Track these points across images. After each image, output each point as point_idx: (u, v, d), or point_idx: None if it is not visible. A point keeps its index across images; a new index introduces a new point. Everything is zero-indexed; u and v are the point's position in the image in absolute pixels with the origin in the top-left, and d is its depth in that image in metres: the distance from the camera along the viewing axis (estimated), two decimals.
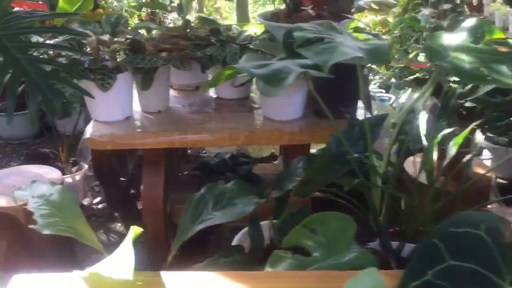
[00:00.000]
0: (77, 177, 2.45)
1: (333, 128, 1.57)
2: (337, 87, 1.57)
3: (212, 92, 1.91)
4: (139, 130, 1.55)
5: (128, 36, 1.53)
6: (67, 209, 1.03)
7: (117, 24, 1.57)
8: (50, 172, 1.95)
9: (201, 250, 2.05)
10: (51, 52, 1.51)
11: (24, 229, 1.45)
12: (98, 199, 2.63)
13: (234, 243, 1.31)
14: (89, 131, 1.53)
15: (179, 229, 1.07)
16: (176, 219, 1.78)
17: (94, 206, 2.59)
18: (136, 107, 1.69)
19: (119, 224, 2.42)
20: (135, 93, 1.66)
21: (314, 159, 1.16)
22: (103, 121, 1.59)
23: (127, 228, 2.41)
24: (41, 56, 1.44)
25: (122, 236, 2.30)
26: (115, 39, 1.53)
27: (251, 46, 1.70)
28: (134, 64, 1.53)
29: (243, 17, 3.46)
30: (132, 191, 2.73)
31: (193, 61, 1.67)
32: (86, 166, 2.55)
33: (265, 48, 1.65)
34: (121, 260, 0.70)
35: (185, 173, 2.03)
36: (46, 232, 0.98)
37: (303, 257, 0.82)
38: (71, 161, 2.54)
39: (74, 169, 2.54)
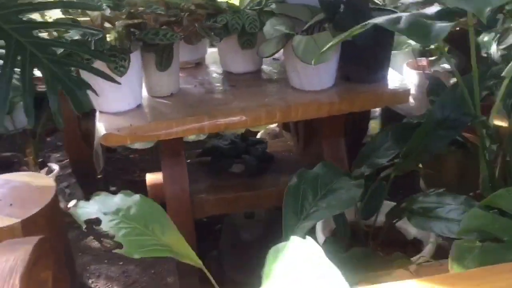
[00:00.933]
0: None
1: (373, 93, 1.46)
2: (371, 51, 1.45)
3: (216, 67, 1.71)
4: (162, 118, 1.33)
5: (140, 9, 1.29)
6: (154, 223, 0.82)
7: None
8: (38, 179, 1.66)
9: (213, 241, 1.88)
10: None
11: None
12: (73, 202, 2.34)
13: (318, 231, 1.16)
14: (102, 126, 1.29)
15: (284, 229, 0.90)
16: (197, 212, 1.59)
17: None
18: (143, 92, 1.46)
19: None
20: None
21: (412, 128, 1.02)
22: (113, 113, 1.35)
23: None
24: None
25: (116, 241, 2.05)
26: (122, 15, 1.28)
27: (265, 10, 1.52)
28: (148, 41, 1.30)
29: None
30: (113, 188, 2.47)
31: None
32: (57, 167, 2.24)
33: (286, 11, 1.47)
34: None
35: (192, 160, 1.82)
36: (136, 256, 0.78)
37: (495, 244, 0.69)
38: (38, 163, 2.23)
39: (43, 171, 2.23)
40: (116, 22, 1.29)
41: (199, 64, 1.73)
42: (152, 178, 1.73)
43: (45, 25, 1.11)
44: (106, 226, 0.80)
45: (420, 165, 1.39)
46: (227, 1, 1.58)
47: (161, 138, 1.34)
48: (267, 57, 1.43)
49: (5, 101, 0.98)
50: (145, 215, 0.82)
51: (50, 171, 2.23)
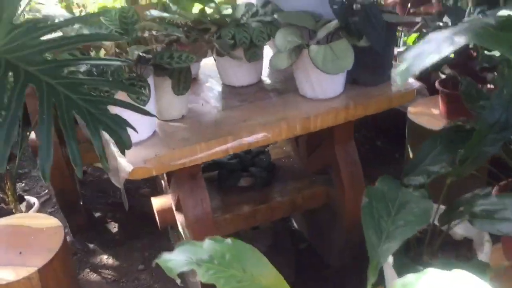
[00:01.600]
0: None
1: (385, 95, 1.47)
2: (377, 53, 1.46)
3: (214, 81, 1.66)
4: (185, 144, 1.27)
5: (154, 33, 1.22)
6: (251, 266, 0.78)
7: (131, 19, 1.24)
8: (39, 219, 1.55)
9: None
10: None
11: None
12: None
13: None
14: (124, 161, 1.21)
15: (369, 249, 0.88)
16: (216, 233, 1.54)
17: None
18: None
19: (105, 257, 2.06)
20: None
21: (463, 133, 1.04)
22: (133, 143, 1.27)
23: (118, 260, 2.05)
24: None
25: (118, 271, 1.96)
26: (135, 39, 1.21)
27: (267, 20, 1.49)
28: (165, 65, 1.23)
29: None
30: (97, 214, 2.35)
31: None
32: (36, 202, 2.09)
33: (290, 20, 1.45)
34: None
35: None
36: None
37: None
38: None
39: (22, 206, 2.08)
40: (127, 49, 1.21)
41: (194, 80, 1.67)
42: (159, 203, 1.66)
43: (71, 62, 1.02)
44: (203, 277, 0.75)
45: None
46: (222, 13, 1.53)
47: (186, 165, 1.28)
48: (279, 69, 1.40)
49: (48, 151, 0.90)
50: (241, 259, 0.78)
51: (29, 205, 2.08)
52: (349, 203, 1.59)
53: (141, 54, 1.16)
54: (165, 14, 1.34)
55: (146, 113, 1.08)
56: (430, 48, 0.69)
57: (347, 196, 1.59)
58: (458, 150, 1.00)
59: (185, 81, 1.28)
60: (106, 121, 0.98)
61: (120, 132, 0.99)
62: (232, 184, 1.70)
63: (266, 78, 1.65)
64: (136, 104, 1.10)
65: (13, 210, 2.01)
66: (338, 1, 1.34)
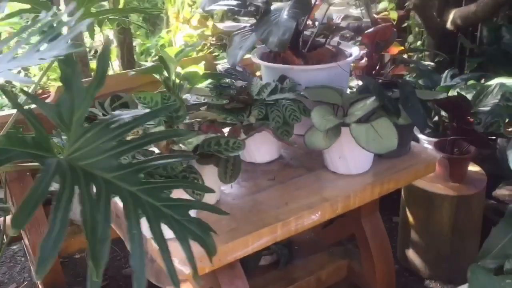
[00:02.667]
0: None
1: (413, 167, 1.48)
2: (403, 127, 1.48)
3: None
4: (235, 235, 1.19)
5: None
6: None
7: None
8: None
9: None
10: None
11: None
12: None
13: None
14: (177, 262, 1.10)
15: None
16: None
17: None
18: None
19: None
20: None
21: None
22: None
23: None
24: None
25: None
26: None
27: (291, 98, 1.46)
28: (216, 154, 1.16)
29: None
30: None
31: None
32: None
33: (319, 96, 1.44)
34: None
35: None
36: None
37: None
38: None
39: None
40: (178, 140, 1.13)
41: None
42: None
43: (146, 165, 0.91)
44: None
45: None
46: (247, 92, 1.49)
47: (237, 258, 1.19)
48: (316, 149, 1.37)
49: (142, 275, 0.79)
50: None
51: None
52: (380, 275, 1.56)
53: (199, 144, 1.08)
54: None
55: (217, 210, 0.99)
56: None
57: (378, 269, 1.56)
58: None
59: (232, 169, 1.21)
60: (192, 228, 0.89)
61: (205, 237, 0.90)
62: (253, 265, 1.61)
63: (283, 153, 1.61)
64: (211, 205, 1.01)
65: None
66: (373, 81, 1.35)
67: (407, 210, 2.07)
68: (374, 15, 2.94)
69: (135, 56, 4.17)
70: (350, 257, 1.65)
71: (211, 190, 0.99)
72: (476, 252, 1.95)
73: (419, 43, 3.10)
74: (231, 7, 1.54)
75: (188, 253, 0.88)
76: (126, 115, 0.92)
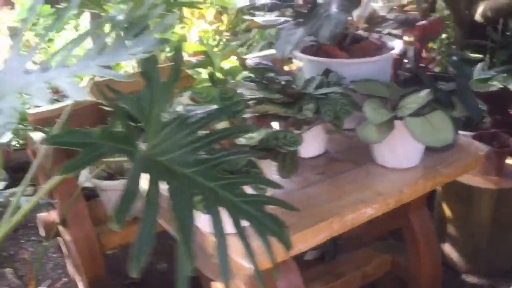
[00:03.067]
0: None
1: (461, 162, 1.47)
2: None
3: None
4: (294, 230, 1.18)
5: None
6: None
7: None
8: None
9: None
10: None
11: None
12: None
13: None
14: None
15: None
16: None
17: None
18: None
19: None
20: None
21: None
22: None
23: None
24: None
25: None
26: None
27: (339, 92, 1.45)
28: (274, 148, 1.15)
29: None
30: None
31: None
32: None
33: (369, 90, 1.43)
34: None
35: None
36: None
37: None
38: None
39: None
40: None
41: None
42: None
43: (223, 159, 0.90)
44: None
45: None
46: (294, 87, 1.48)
47: (297, 253, 1.18)
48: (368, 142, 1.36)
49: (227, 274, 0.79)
50: None
51: None
52: (427, 270, 1.55)
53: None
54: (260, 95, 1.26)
55: (288, 206, 0.98)
56: None
57: (425, 263, 1.55)
58: None
59: (291, 163, 1.20)
60: (269, 224, 0.88)
61: (282, 233, 0.89)
62: (298, 260, 1.60)
63: (328, 147, 1.60)
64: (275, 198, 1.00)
65: None
66: (425, 73, 1.34)
67: (443, 204, 2.06)
68: (395, 7, 2.91)
69: None
70: (394, 252, 1.64)
71: (279, 186, 0.99)
72: None
73: (444, 36, 3.07)
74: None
75: (268, 248, 0.87)
76: (199, 110, 0.92)
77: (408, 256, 1.60)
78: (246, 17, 3.80)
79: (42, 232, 2.03)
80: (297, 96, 1.40)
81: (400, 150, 1.39)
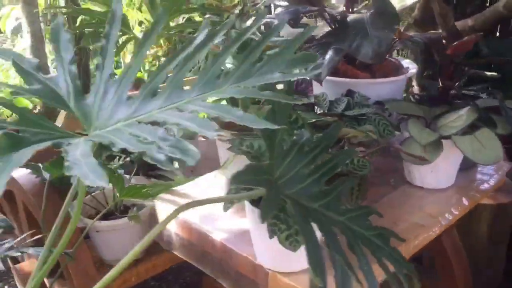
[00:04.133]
0: None
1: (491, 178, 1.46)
2: None
3: None
4: None
5: None
6: None
7: None
8: None
9: None
10: None
11: None
12: None
13: None
14: None
15: None
16: None
17: None
18: None
19: None
20: None
21: None
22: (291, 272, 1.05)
23: None
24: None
25: None
26: None
27: (377, 112, 1.40)
28: (347, 173, 1.06)
29: None
30: None
31: None
32: None
33: (400, 109, 1.39)
34: None
35: None
36: None
37: None
38: None
39: None
40: None
41: None
42: None
43: (340, 189, 0.80)
44: None
45: None
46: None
47: None
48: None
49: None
50: None
51: None
52: None
53: None
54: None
55: (394, 235, 0.90)
56: None
57: (459, 285, 1.52)
58: None
59: (359, 189, 1.12)
60: (402, 261, 0.80)
61: (411, 272, 0.82)
62: None
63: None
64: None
65: None
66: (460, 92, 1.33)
67: None
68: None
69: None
70: (421, 274, 1.59)
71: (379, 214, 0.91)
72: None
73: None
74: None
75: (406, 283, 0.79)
76: (305, 135, 0.82)
77: (439, 277, 1.56)
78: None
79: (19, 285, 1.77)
80: (339, 118, 1.33)
81: (442, 170, 1.36)
